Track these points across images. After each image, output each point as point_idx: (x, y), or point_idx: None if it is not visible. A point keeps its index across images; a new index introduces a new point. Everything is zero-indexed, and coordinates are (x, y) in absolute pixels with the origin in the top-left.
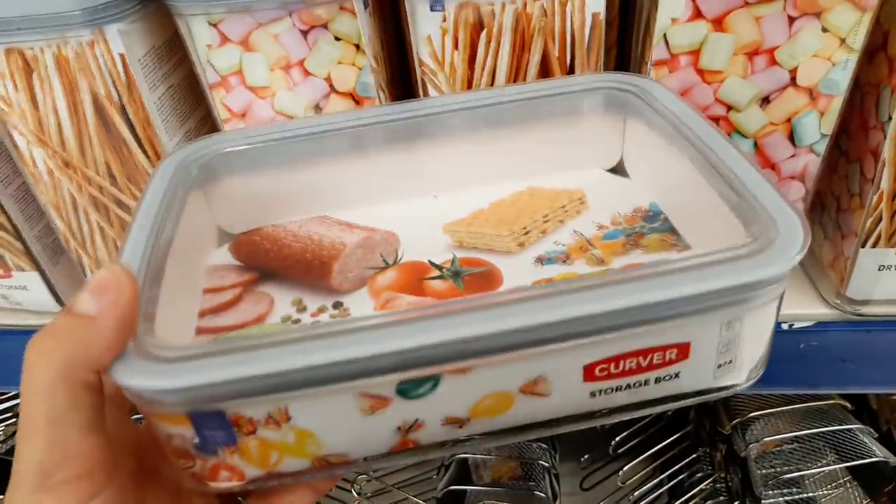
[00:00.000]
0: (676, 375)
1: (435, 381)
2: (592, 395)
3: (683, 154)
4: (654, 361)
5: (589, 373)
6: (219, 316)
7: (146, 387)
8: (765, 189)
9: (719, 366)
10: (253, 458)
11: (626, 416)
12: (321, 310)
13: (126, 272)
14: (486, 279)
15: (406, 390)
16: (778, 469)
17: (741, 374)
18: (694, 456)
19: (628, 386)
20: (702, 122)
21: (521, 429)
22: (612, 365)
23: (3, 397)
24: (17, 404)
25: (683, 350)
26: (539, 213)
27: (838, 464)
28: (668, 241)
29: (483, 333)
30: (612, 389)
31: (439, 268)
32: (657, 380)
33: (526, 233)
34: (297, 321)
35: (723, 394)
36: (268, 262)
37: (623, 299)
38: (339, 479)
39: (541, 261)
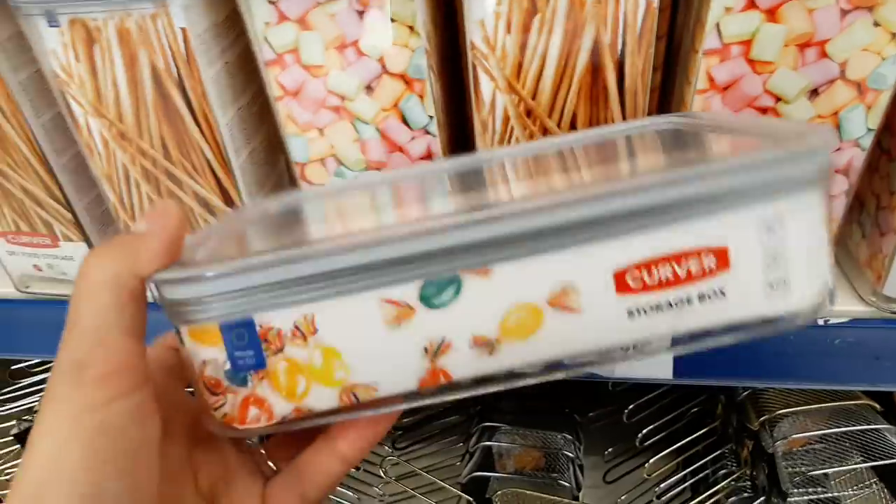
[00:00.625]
0: (722, 293)
1: (457, 285)
2: (630, 314)
3: None
4: (692, 271)
5: (620, 281)
6: None
7: (177, 292)
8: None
9: (770, 285)
10: (281, 387)
11: (675, 352)
12: None
13: (174, 205)
14: None
15: (428, 296)
16: (804, 467)
17: (800, 298)
18: (719, 452)
19: (669, 305)
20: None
21: (560, 365)
22: (645, 272)
23: (40, 368)
24: None
25: (721, 257)
26: None
27: (865, 464)
28: None
29: (500, 228)
30: (652, 308)
31: None
32: (700, 297)
33: None
34: None
35: (784, 326)
36: None
37: (642, 187)
38: (370, 442)
39: None
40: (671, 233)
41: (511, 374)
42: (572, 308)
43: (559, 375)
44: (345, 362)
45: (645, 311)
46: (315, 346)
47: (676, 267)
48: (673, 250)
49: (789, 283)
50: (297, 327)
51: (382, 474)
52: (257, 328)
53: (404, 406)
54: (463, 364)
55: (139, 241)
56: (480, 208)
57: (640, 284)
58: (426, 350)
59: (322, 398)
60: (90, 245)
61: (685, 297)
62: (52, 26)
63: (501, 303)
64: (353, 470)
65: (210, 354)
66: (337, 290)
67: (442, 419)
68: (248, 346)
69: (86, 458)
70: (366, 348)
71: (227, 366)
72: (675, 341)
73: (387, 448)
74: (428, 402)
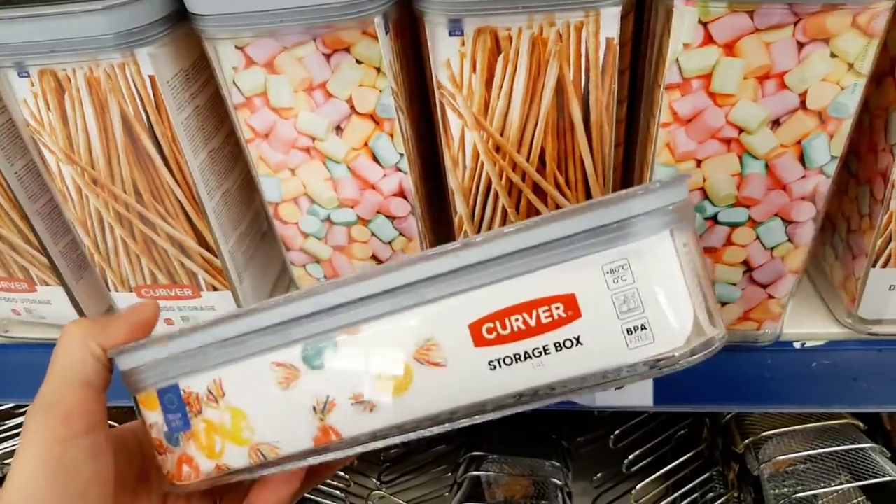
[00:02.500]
0: (578, 341)
1: (333, 344)
2: (491, 366)
3: None
4: (543, 319)
5: (476, 333)
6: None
7: (123, 362)
8: None
9: (628, 330)
10: (203, 446)
11: (545, 401)
12: None
13: (153, 305)
14: None
15: (309, 357)
16: (791, 489)
17: (666, 340)
18: (707, 475)
19: (528, 355)
20: None
21: (435, 419)
22: (498, 324)
23: (21, 411)
24: None
25: (570, 304)
26: None
27: (852, 483)
28: None
29: (365, 292)
30: (512, 359)
31: None
32: (557, 346)
33: None
34: None
35: (655, 371)
36: None
37: (485, 246)
38: (285, 500)
39: None
40: (518, 283)
41: (399, 429)
42: (437, 363)
43: (447, 428)
44: (250, 423)
45: (506, 363)
46: (225, 408)
47: (527, 317)
48: (522, 300)
49: (649, 326)
50: (209, 391)
51: None
52: (182, 392)
53: (308, 462)
54: (349, 421)
55: (111, 320)
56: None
57: (496, 336)
58: (314, 409)
59: (235, 456)
60: (67, 289)
61: (542, 346)
62: (22, 77)
63: (373, 360)
64: None
65: (153, 418)
66: (234, 355)
67: (428, 450)
68: (177, 410)
69: (49, 485)
70: (265, 409)
71: (165, 428)
72: (549, 392)
73: (374, 481)
74: (330, 457)
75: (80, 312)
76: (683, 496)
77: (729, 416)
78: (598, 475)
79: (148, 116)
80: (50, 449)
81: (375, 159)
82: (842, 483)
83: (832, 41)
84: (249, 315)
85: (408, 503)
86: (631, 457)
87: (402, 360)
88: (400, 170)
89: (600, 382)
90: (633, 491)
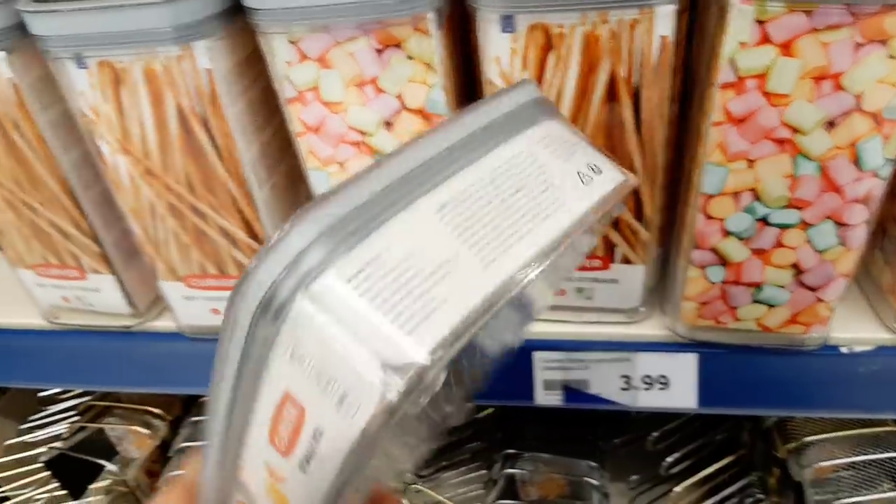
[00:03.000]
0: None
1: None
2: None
3: None
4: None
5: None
6: None
7: None
8: None
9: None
10: None
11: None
12: None
13: None
14: None
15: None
16: (832, 495)
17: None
18: (746, 480)
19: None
20: None
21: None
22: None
23: (69, 395)
24: (83, 402)
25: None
26: None
27: (894, 491)
28: None
29: None
30: None
31: None
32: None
33: None
34: None
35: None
36: None
37: None
38: None
39: None
40: None
41: None
42: None
43: None
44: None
45: None
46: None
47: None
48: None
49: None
50: None
51: (407, 502)
52: None
53: None
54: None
55: None
56: None
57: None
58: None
59: None
60: (116, 277)
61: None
62: (80, 68)
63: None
64: None
65: None
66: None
67: (465, 445)
68: None
69: None
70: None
71: None
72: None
73: (410, 475)
74: None
75: (129, 301)
76: (722, 501)
77: (771, 420)
78: (635, 477)
79: (203, 109)
80: None
81: None
82: (884, 490)
83: (890, 42)
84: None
85: (444, 498)
86: (670, 459)
87: (272, 487)
88: None
89: None
90: (671, 494)
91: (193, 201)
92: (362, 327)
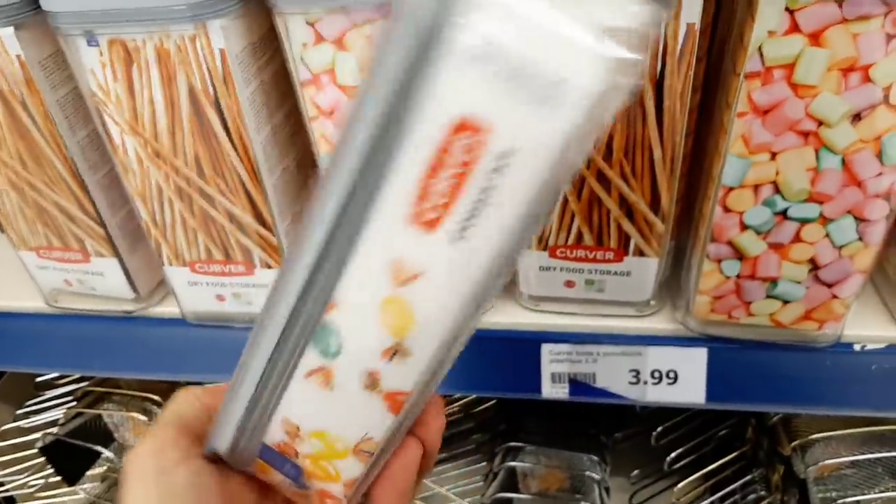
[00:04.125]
0: (512, 151)
1: (328, 330)
2: (462, 239)
3: None
4: (460, 160)
5: (419, 221)
6: None
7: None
8: None
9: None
10: (322, 477)
11: (532, 227)
12: None
13: None
14: None
15: (324, 351)
16: (836, 493)
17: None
18: (749, 477)
19: (477, 201)
20: None
21: (464, 312)
22: (427, 197)
23: (66, 380)
24: (81, 388)
25: (474, 126)
26: None
27: None
28: None
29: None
30: (466, 215)
31: None
32: (497, 171)
33: None
34: None
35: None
36: None
37: None
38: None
39: None
40: (409, 150)
41: (446, 347)
42: (416, 275)
43: (484, 309)
44: (334, 435)
45: (466, 229)
46: (308, 437)
47: (442, 172)
48: (428, 160)
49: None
50: (286, 432)
51: None
52: (273, 448)
53: (407, 427)
54: (400, 377)
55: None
56: None
57: (436, 209)
58: (366, 388)
59: (350, 468)
60: (121, 261)
61: (482, 186)
62: (91, 46)
63: (368, 314)
64: None
65: (276, 478)
66: (274, 394)
67: (466, 437)
68: (282, 462)
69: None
70: (332, 416)
71: (288, 480)
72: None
73: None
74: (420, 410)
75: (132, 285)
76: (724, 497)
77: (776, 416)
78: (637, 471)
79: (215, 90)
80: (151, 480)
81: None
82: (888, 489)
83: None
84: (251, 357)
85: (445, 490)
86: (674, 454)
87: (390, 298)
88: None
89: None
90: (674, 490)
91: (202, 185)
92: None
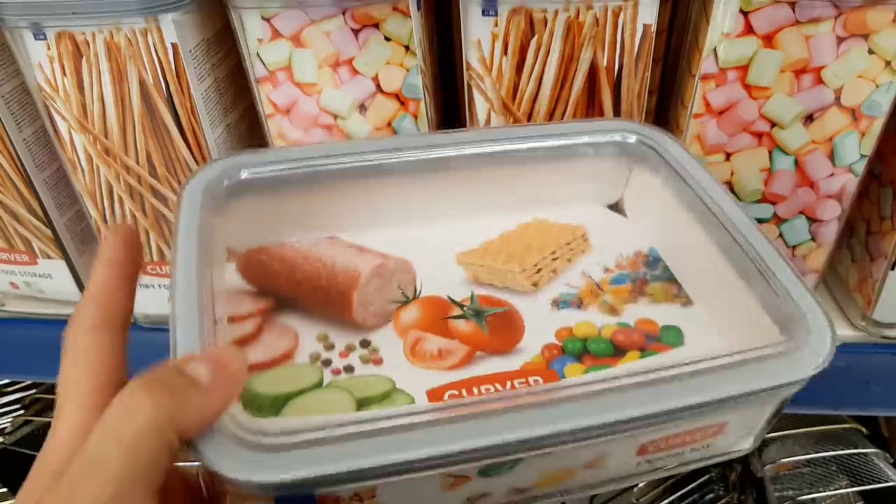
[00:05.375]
0: (708, 447)
1: (515, 463)
2: (639, 464)
3: (688, 208)
4: (696, 438)
5: (643, 450)
6: (245, 350)
7: (241, 479)
8: (780, 268)
9: (740, 436)
10: None
11: (660, 475)
12: (349, 348)
13: (243, 359)
14: (507, 321)
15: (487, 471)
16: (792, 491)
17: (751, 441)
18: (707, 476)
19: (671, 457)
20: (714, 183)
21: (572, 489)
22: (662, 442)
23: (14, 387)
24: (29, 395)
25: (720, 429)
26: (547, 249)
27: (852, 488)
28: (671, 292)
29: (552, 432)
30: (659, 460)
31: (460, 305)
32: (692, 450)
33: (538, 271)
34: (326, 361)
35: (730, 457)
36: (279, 286)
37: (673, 401)
38: None
39: (556, 304)
40: (693, 421)
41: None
42: (600, 468)
43: (569, 497)
44: None
45: (652, 461)
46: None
47: (687, 438)
48: (691, 429)
49: (752, 433)
50: (356, 495)
51: None
52: (315, 498)
53: None
54: (496, 500)
55: (196, 392)
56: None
57: (657, 449)
58: (469, 499)
59: None
60: (69, 263)
61: (682, 451)
62: (38, 39)
63: (546, 470)
64: None
65: None
66: (401, 469)
67: None
68: None
69: None
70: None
71: None
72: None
73: None
74: None
75: (81, 287)
76: (683, 497)
77: None
78: None
79: (167, 86)
80: None
81: None
82: (842, 487)
83: (871, 37)
84: (418, 431)
85: None
86: None
87: (571, 469)
88: None
89: (700, 462)
90: (633, 490)
91: (154, 183)
92: None
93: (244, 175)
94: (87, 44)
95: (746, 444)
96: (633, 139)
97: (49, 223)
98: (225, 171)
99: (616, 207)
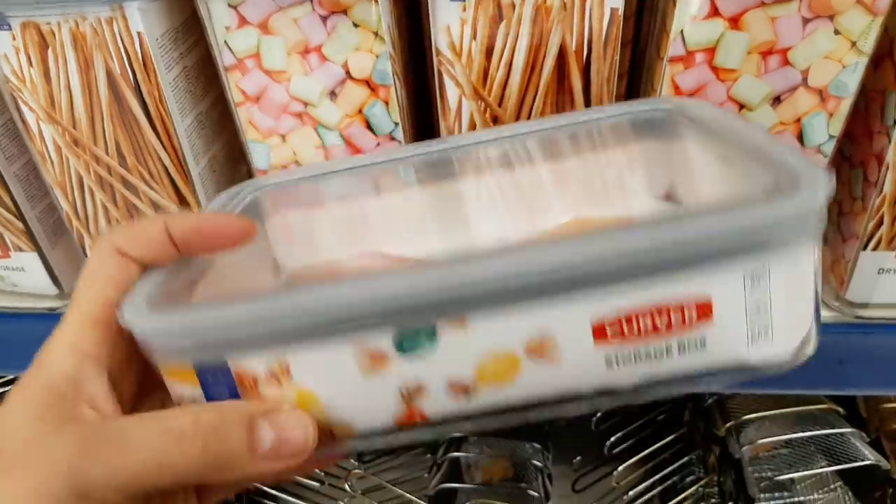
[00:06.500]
0: (702, 343)
1: (433, 334)
2: (608, 363)
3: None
4: (673, 322)
5: (599, 332)
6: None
7: (144, 327)
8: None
9: (752, 335)
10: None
11: (652, 396)
12: None
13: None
14: None
15: (404, 345)
16: (770, 472)
17: (783, 347)
18: (686, 459)
19: (648, 355)
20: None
21: (535, 405)
22: (624, 323)
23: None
24: (5, 391)
25: (704, 309)
26: None
27: (830, 467)
28: None
29: (478, 277)
30: (630, 357)
31: None
32: (680, 348)
33: None
34: None
35: (764, 372)
36: None
37: (627, 238)
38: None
39: None
40: (652, 285)
41: (494, 417)
42: (550, 357)
43: (532, 417)
44: (320, 405)
45: (623, 360)
46: (290, 389)
47: (657, 318)
48: (654, 302)
49: (772, 333)
50: (271, 372)
51: (348, 488)
52: (233, 373)
53: (382, 444)
54: (439, 407)
55: (243, 459)
56: (455, 258)
57: (619, 335)
58: (402, 395)
59: None
60: (42, 255)
61: (665, 347)
62: (3, 30)
63: (477, 351)
64: (317, 484)
65: (186, 392)
66: (308, 336)
67: None
68: (223, 388)
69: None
70: (340, 393)
71: (201, 401)
72: (647, 386)
73: (352, 461)
74: (408, 439)
75: (55, 280)
76: (663, 479)
77: (711, 399)
78: (579, 458)
79: (135, 75)
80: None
81: (369, 127)
82: (820, 467)
83: (836, 18)
84: (330, 289)
85: (387, 483)
86: (613, 439)
87: (512, 353)
88: (394, 139)
89: (709, 378)
90: (615, 473)
91: (124, 173)
92: (816, 301)
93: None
94: (53, 33)
95: (777, 353)
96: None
97: (20, 215)
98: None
99: (670, 198)
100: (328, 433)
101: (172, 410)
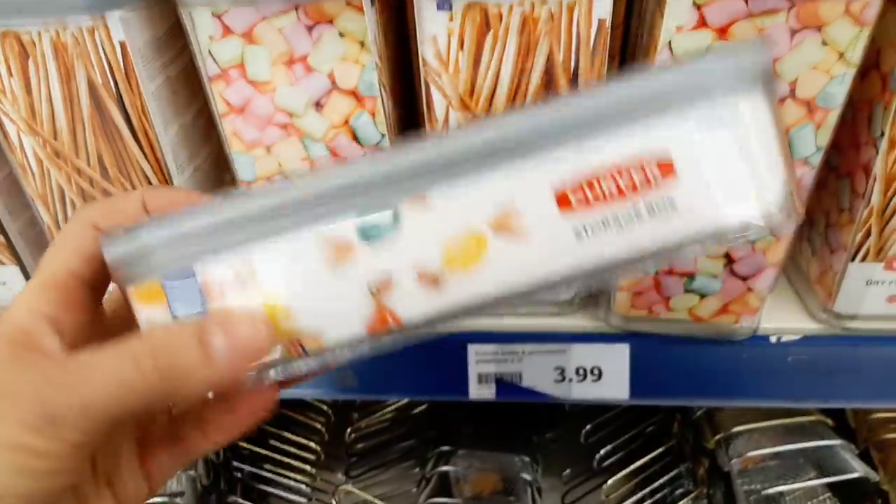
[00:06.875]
0: (672, 204)
1: (395, 215)
2: (578, 235)
3: None
4: (636, 181)
5: (563, 200)
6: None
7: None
8: None
9: (722, 194)
10: None
11: (631, 270)
12: None
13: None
14: None
15: (366, 230)
16: (760, 485)
17: (758, 207)
18: (676, 471)
19: (617, 221)
20: None
21: (509, 295)
22: (587, 188)
23: None
24: None
25: (665, 166)
26: None
27: (819, 480)
28: None
29: (431, 150)
30: (600, 225)
31: None
32: (650, 210)
33: None
34: None
35: (745, 236)
36: None
37: (573, 98)
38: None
39: None
40: (607, 142)
41: (466, 310)
42: (516, 231)
43: (513, 305)
44: (287, 310)
45: (592, 230)
46: (258, 296)
47: (619, 179)
48: (612, 161)
49: (743, 189)
50: (238, 277)
51: (335, 503)
52: (199, 280)
53: (355, 354)
54: (410, 302)
55: (199, 369)
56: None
57: (583, 201)
58: (370, 289)
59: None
60: (23, 269)
61: (633, 211)
62: None
63: (442, 231)
64: (304, 500)
65: (154, 315)
66: (270, 230)
67: (398, 444)
68: (191, 302)
69: None
70: (306, 293)
71: (171, 317)
72: (625, 261)
73: (340, 476)
74: (376, 347)
75: None
76: (653, 492)
77: (700, 411)
78: (568, 471)
79: (117, 85)
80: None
81: (356, 138)
82: (809, 479)
83: (824, 29)
84: (290, 184)
85: (375, 499)
86: (602, 452)
87: (477, 229)
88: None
89: (685, 245)
90: (604, 487)
91: (106, 186)
92: (784, 157)
93: None
94: (34, 43)
95: (754, 214)
96: None
97: (1, 229)
98: None
99: None
100: (298, 345)
101: (127, 337)
